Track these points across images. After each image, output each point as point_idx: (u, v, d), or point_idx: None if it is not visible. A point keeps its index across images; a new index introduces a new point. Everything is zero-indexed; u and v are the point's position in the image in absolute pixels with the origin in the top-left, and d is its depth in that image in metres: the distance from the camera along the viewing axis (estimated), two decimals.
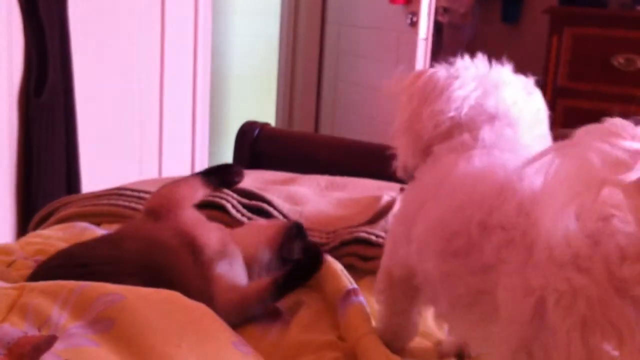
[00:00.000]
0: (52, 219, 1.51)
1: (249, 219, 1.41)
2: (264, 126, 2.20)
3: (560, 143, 0.68)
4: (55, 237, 1.35)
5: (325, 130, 3.96)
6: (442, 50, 3.51)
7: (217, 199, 1.43)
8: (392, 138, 1.04)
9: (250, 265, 1.19)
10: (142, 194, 1.48)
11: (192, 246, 1.13)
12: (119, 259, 1.06)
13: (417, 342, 1.09)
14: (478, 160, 0.88)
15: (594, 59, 3.27)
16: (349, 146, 2.13)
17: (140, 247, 1.09)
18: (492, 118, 0.94)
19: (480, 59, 0.99)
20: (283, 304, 1.17)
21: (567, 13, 3.41)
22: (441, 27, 3.81)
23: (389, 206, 1.46)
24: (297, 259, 1.22)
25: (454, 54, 1.01)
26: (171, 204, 1.21)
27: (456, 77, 0.96)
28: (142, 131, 2.61)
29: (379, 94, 3.26)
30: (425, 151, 0.99)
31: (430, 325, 1.14)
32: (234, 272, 1.16)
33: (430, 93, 0.97)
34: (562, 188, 0.65)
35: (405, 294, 1.00)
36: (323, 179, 1.77)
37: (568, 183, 0.65)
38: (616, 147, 0.62)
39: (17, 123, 2.03)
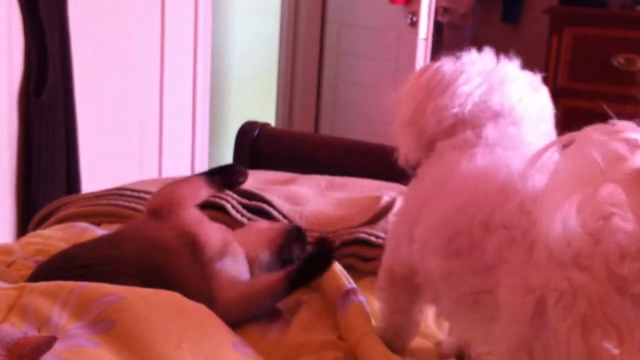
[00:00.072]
0: (52, 219, 1.51)
1: (249, 219, 1.41)
2: (264, 126, 2.20)
3: (561, 138, 0.68)
4: (55, 237, 1.35)
5: (325, 130, 3.96)
6: (442, 50, 3.51)
7: (217, 200, 1.43)
8: (395, 130, 1.03)
9: (250, 266, 1.19)
10: (142, 194, 1.48)
11: (193, 245, 1.13)
12: (118, 259, 1.06)
13: (417, 343, 1.09)
14: (481, 158, 0.88)
15: (594, 59, 3.27)
16: (349, 146, 2.13)
17: (140, 247, 1.09)
18: (496, 115, 0.93)
19: (488, 53, 0.99)
20: (283, 304, 1.17)
21: (567, 13, 3.41)
22: (441, 27, 3.81)
23: (388, 206, 1.46)
24: (310, 253, 1.20)
25: (455, 55, 1.00)
26: (173, 203, 1.21)
27: (461, 72, 0.96)
28: (142, 131, 2.61)
29: (379, 94, 3.26)
30: (428, 147, 0.99)
31: (431, 326, 1.14)
32: (238, 269, 1.16)
33: (435, 88, 0.97)
34: (563, 184, 0.65)
35: (406, 292, 1.00)
36: (323, 179, 1.77)
37: (568, 179, 0.65)
38: (616, 142, 0.62)
39: (17, 123, 2.03)
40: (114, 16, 2.41)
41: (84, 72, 2.23)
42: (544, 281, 0.67)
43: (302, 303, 1.17)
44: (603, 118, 0.66)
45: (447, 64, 0.98)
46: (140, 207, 1.43)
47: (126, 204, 1.47)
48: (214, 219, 1.33)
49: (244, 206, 1.44)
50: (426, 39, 3.01)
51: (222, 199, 1.43)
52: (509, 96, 0.94)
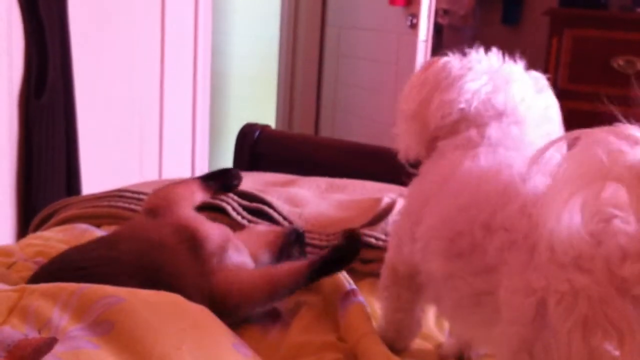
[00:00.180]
0: (53, 220, 1.51)
1: (249, 221, 1.41)
2: (264, 128, 2.20)
3: (562, 137, 0.69)
4: (55, 238, 1.35)
5: (325, 132, 3.96)
6: (442, 52, 3.51)
7: (218, 202, 1.43)
8: (397, 123, 1.03)
9: None
10: (142, 196, 1.48)
11: (193, 240, 1.13)
12: (116, 260, 1.06)
13: (418, 344, 1.09)
14: (483, 158, 0.88)
15: (594, 61, 3.27)
16: (349, 148, 2.13)
17: (138, 247, 1.09)
18: (499, 115, 0.93)
19: (494, 53, 0.99)
20: (283, 305, 1.17)
21: (567, 15, 3.41)
22: (441, 29, 3.81)
23: (389, 208, 1.46)
24: (337, 243, 1.20)
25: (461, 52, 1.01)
26: (169, 202, 1.22)
27: (469, 69, 0.96)
28: (142, 132, 2.61)
29: (379, 96, 3.26)
30: (430, 143, 0.99)
31: (431, 327, 1.14)
32: (243, 260, 1.17)
33: (442, 82, 0.97)
34: (565, 185, 0.65)
35: (409, 290, 1.00)
36: (323, 181, 1.77)
37: (570, 180, 0.65)
38: (618, 139, 0.62)
39: (17, 124, 2.03)
40: (114, 17, 2.41)
41: (84, 73, 2.23)
42: (544, 283, 0.68)
43: (302, 304, 1.17)
44: (603, 120, 0.67)
45: (454, 60, 0.98)
46: (140, 209, 1.43)
47: (126, 205, 1.47)
48: (214, 220, 1.33)
49: (245, 208, 1.44)
50: (426, 40, 3.01)
51: (222, 200, 1.43)
52: (513, 96, 0.94)
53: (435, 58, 1.02)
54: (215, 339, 0.90)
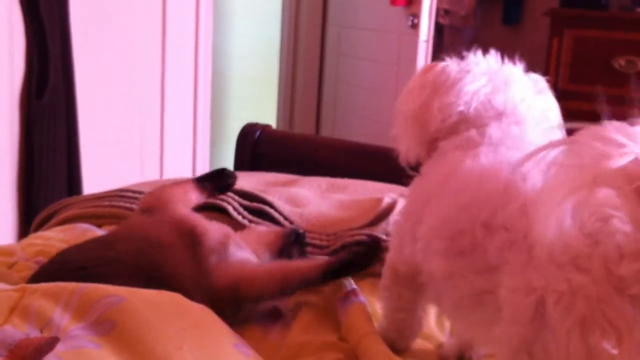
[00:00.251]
0: (54, 220, 1.52)
1: (250, 221, 1.41)
2: (265, 128, 2.20)
3: (555, 141, 0.69)
4: (56, 238, 1.35)
5: (326, 132, 3.97)
6: (443, 52, 3.51)
7: (219, 202, 1.43)
8: (396, 127, 1.04)
9: None
10: (143, 196, 1.48)
11: (191, 236, 1.13)
12: (115, 260, 1.06)
13: (419, 344, 1.09)
14: (484, 158, 0.88)
15: (595, 61, 3.27)
16: (350, 148, 2.13)
17: (136, 246, 1.10)
18: (499, 115, 0.94)
19: (492, 55, 1.00)
20: (284, 305, 1.17)
21: (568, 15, 3.42)
22: (442, 29, 3.81)
23: (389, 208, 1.46)
24: (356, 247, 1.22)
25: (456, 56, 1.01)
26: (164, 202, 1.22)
27: (467, 72, 0.97)
28: (143, 132, 2.61)
29: (380, 96, 3.26)
30: (431, 145, 0.99)
31: (432, 327, 1.14)
32: (244, 255, 1.17)
33: (442, 85, 0.98)
34: (557, 187, 0.65)
35: (410, 290, 1.00)
36: (324, 181, 1.77)
37: (562, 181, 0.65)
38: (607, 144, 0.63)
39: (18, 124, 2.04)
40: (115, 18, 2.41)
41: (85, 73, 2.23)
42: (544, 282, 0.68)
43: (302, 304, 1.17)
44: (603, 120, 0.67)
45: (452, 63, 0.99)
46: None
47: (127, 205, 1.47)
48: (215, 220, 1.33)
49: (245, 208, 1.44)
50: (427, 41, 3.01)
51: (223, 200, 1.44)
52: (512, 96, 0.95)
53: (434, 62, 1.02)
54: (216, 339, 0.90)
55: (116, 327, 0.82)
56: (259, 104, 4.13)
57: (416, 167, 1.03)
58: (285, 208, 1.47)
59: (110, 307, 0.84)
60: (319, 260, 1.16)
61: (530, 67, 1.01)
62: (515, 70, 0.98)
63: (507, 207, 0.77)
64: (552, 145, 0.68)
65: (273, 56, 4.10)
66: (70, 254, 1.11)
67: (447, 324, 1.13)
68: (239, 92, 4.11)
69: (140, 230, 1.16)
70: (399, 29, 3.14)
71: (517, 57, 1.00)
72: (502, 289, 0.74)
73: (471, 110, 0.94)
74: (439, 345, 1.09)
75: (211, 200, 1.42)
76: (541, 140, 0.91)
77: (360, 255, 1.20)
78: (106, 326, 0.82)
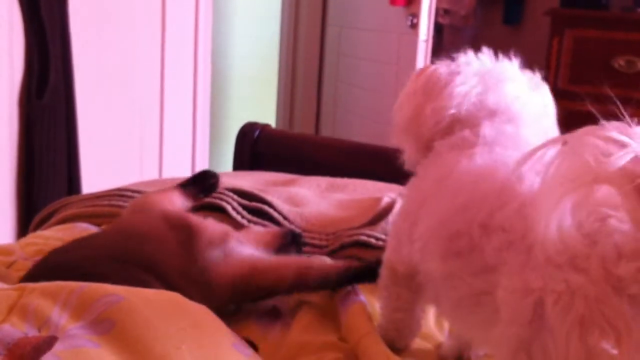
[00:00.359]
0: (53, 219, 1.51)
1: (249, 221, 1.41)
2: (265, 127, 2.20)
3: (553, 139, 0.69)
4: (55, 237, 1.35)
5: (326, 131, 3.97)
6: (442, 52, 3.51)
7: (218, 201, 1.43)
8: (394, 133, 1.04)
9: None
10: (130, 201, 1.48)
11: (186, 230, 1.13)
12: (98, 256, 1.07)
13: (418, 344, 1.09)
14: (480, 158, 0.88)
15: (595, 61, 3.27)
16: (350, 148, 2.13)
17: (118, 240, 1.10)
18: (492, 114, 0.94)
19: (486, 53, 0.99)
20: (284, 304, 1.17)
21: (568, 15, 3.41)
22: (442, 29, 3.81)
23: (389, 208, 1.46)
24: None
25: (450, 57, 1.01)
26: (152, 205, 1.23)
27: (457, 73, 0.96)
28: (143, 132, 2.61)
29: (380, 96, 3.26)
30: (427, 146, 0.99)
31: (431, 327, 1.14)
32: (251, 252, 1.17)
33: (432, 90, 0.97)
34: (556, 186, 0.65)
35: (409, 290, 1.00)
36: (323, 181, 1.77)
37: (561, 181, 0.65)
38: (608, 143, 0.63)
39: (18, 124, 2.04)
40: (114, 18, 2.41)
41: (85, 73, 2.23)
42: (542, 283, 0.68)
43: (302, 304, 1.17)
44: (603, 120, 0.67)
45: (442, 66, 0.99)
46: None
47: (126, 204, 1.47)
48: (214, 220, 1.33)
49: (244, 207, 1.44)
50: (427, 40, 3.01)
51: (222, 200, 1.43)
52: (505, 94, 0.94)
53: (425, 66, 1.02)
54: (215, 339, 0.90)
55: (115, 327, 0.82)
56: (259, 103, 4.13)
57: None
58: (285, 207, 1.46)
59: (109, 306, 0.84)
60: (339, 262, 1.17)
61: (531, 67, 1.01)
62: (509, 68, 0.98)
63: (504, 208, 0.77)
64: (550, 143, 0.68)
65: (273, 56, 4.10)
66: (57, 255, 1.11)
67: (446, 324, 1.13)
68: (239, 91, 4.11)
69: (127, 224, 1.17)
70: (398, 28, 3.14)
71: (512, 53, 0.99)
72: (500, 290, 0.74)
73: (463, 111, 0.94)
74: (438, 345, 1.09)
75: (210, 200, 1.42)
76: (536, 138, 0.91)
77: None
78: (105, 325, 0.82)
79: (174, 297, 0.92)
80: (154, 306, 0.87)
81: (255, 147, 2.15)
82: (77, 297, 0.85)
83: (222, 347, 0.89)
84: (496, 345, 0.76)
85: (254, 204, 1.45)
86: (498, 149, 0.89)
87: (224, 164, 3.52)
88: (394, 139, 1.04)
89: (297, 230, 1.35)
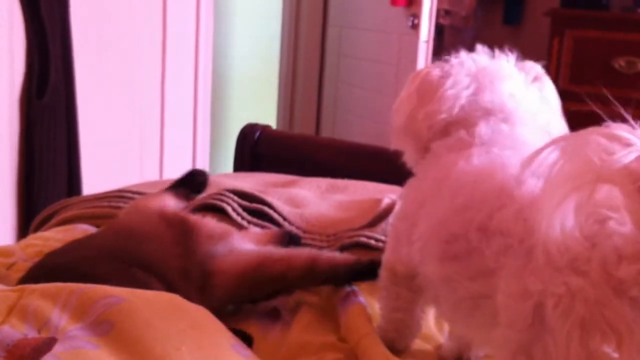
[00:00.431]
0: (53, 221, 1.51)
1: (249, 222, 1.41)
2: (265, 128, 2.20)
3: (556, 139, 0.69)
4: (55, 239, 1.35)
5: (326, 132, 3.96)
6: (443, 52, 3.51)
7: (218, 202, 1.43)
8: (392, 135, 1.04)
9: None
10: (124, 207, 1.48)
11: (183, 227, 1.13)
12: (95, 257, 1.07)
13: (418, 345, 1.09)
14: (476, 159, 0.88)
15: (595, 62, 3.27)
16: (350, 148, 2.13)
17: (111, 242, 1.10)
18: (487, 113, 0.93)
19: (481, 52, 0.99)
20: (284, 305, 1.17)
21: (569, 15, 3.41)
22: (442, 30, 3.81)
23: (389, 209, 1.46)
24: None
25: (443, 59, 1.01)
26: (146, 206, 1.23)
27: (448, 76, 0.96)
28: (143, 133, 2.61)
29: (380, 97, 3.26)
30: (425, 148, 0.99)
31: (431, 328, 1.14)
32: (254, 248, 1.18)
33: (425, 94, 0.97)
34: (559, 188, 0.65)
35: (408, 290, 1.00)
36: (323, 182, 1.77)
37: (564, 182, 0.65)
38: (612, 141, 0.63)
39: (18, 124, 2.04)
40: (115, 17, 2.41)
41: (86, 73, 2.23)
42: (541, 286, 0.67)
43: (302, 304, 1.17)
44: (603, 121, 0.67)
45: (436, 68, 0.99)
46: None
47: (127, 206, 1.47)
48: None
49: (245, 208, 1.44)
50: (427, 41, 3.01)
51: (222, 201, 1.43)
52: (500, 93, 0.94)
53: (420, 70, 1.02)
54: (214, 340, 0.90)
55: (115, 328, 0.82)
56: (259, 104, 4.13)
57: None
58: (285, 209, 1.46)
59: (108, 307, 0.84)
60: (349, 256, 1.17)
61: None
62: (504, 65, 0.98)
63: (502, 210, 0.77)
64: (553, 143, 0.68)
65: (273, 56, 4.10)
66: (54, 256, 1.11)
67: (446, 325, 1.13)
68: (239, 92, 4.11)
69: (124, 224, 1.17)
70: (399, 29, 3.14)
71: (509, 50, 0.99)
72: (499, 294, 0.74)
73: (454, 114, 0.94)
74: (438, 347, 1.09)
75: (210, 201, 1.42)
76: (534, 136, 0.91)
77: None
78: (104, 327, 0.82)
79: (174, 299, 0.92)
80: (154, 307, 0.87)
81: (256, 149, 2.15)
82: (76, 299, 0.85)
83: (221, 348, 0.89)
84: (496, 347, 0.76)
85: (254, 205, 1.45)
86: (495, 149, 0.89)
87: (225, 165, 3.51)
88: (393, 141, 1.04)
89: (296, 232, 1.35)
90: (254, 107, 4.11)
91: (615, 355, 0.63)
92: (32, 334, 0.80)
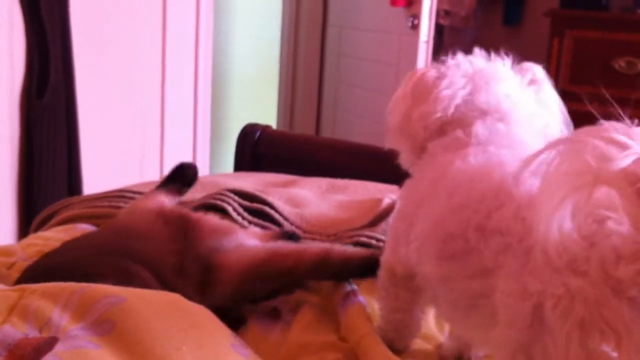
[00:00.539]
0: (54, 220, 1.52)
1: (250, 222, 1.41)
2: (265, 128, 2.20)
3: (554, 141, 0.69)
4: (56, 238, 1.35)
5: (327, 132, 3.97)
6: (443, 53, 3.51)
7: (218, 202, 1.43)
8: (387, 136, 1.05)
9: None
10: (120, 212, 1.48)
11: (183, 223, 1.13)
12: (86, 258, 1.07)
13: (418, 345, 1.09)
14: (473, 158, 0.88)
15: (595, 62, 3.27)
16: (350, 148, 2.13)
17: (107, 240, 1.11)
18: (483, 113, 0.93)
19: (478, 54, 0.99)
20: (284, 304, 1.17)
21: (568, 16, 3.42)
22: (442, 30, 3.81)
23: (389, 209, 1.46)
24: None
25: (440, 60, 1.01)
26: (142, 208, 1.24)
27: (444, 77, 0.96)
28: (144, 133, 2.61)
29: (380, 97, 3.26)
30: (421, 148, 0.99)
31: (432, 328, 1.14)
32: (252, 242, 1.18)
33: (420, 94, 0.97)
34: (556, 188, 0.65)
35: (407, 291, 1.00)
36: (324, 182, 1.77)
37: (562, 183, 0.65)
38: (609, 144, 0.63)
39: (18, 124, 2.04)
40: (115, 18, 2.41)
41: (86, 73, 2.23)
42: (540, 286, 0.68)
43: (303, 304, 1.17)
44: (604, 121, 0.67)
45: (431, 70, 0.99)
46: None
47: (127, 205, 1.47)
48: None
49: (245, 208, 1.44)
50: (427, 41, 3.01)
51: (223, 201, 1.44)
52: (495, 94, 0.94)
53: (416, 70, 1.02)
54: (215, 340, 0.90)
55: (116, 328, 0.82)
56: (259, 104, 4.13)
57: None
58: (285, 209, 1.46)
59: (110, 307, 0.84)
60: (361, 250, 1.17)
61: None
62: (500, 67, 0.98)
63: (500, 210, 0.77)
64: (552, 145, 0.68)
65: (273, 56, 4.10)
66: (48, 257, 1.11)
67: (447, 324, 1.13)
68: (239, 92, 4.11)
69: (121, 224, 1.17)
70: (399, 29, 3.14)
71: (506, 52, 0.99)
72: (497, 293, 0.74)
73: (449, 115, 0.94)
74: (438, 346, 1.09)
75: (211, 201, 1.42)
76: (530, 137, 0.91)
77: None
78: (106, 326, 0.82)
79: (174, 298, 0.93)
80: (154, 307, 0.87)
81: (256, 148, 2.15)
82: (78, 298, 0.85)
83: (221, 347, 0.89)
84: (495, 347, 0.76)
85: (255, 205, 1.45)
86: (492, 148, 0.89)
87: (225, 165, 3.52)
88: (388, 141, 1.05)
89: (296, 231, 1.35)
90: (254, 107, 4.12)
91: (615, 354, 0.63)
92: (33, 333, 0.80)
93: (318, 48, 3.98)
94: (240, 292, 1.11)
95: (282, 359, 1.03)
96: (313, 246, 1.15)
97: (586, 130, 0.66)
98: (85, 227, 1.42)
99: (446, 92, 0.95)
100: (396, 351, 1.02)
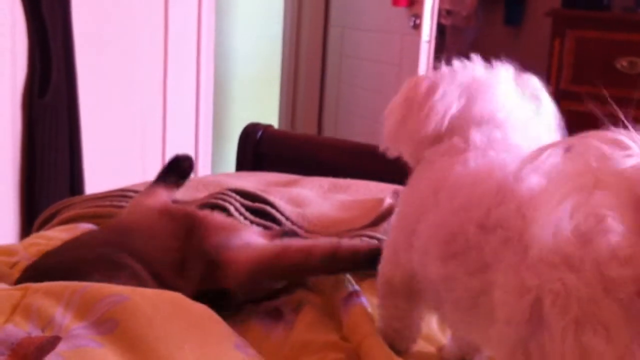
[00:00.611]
0: (56, 220, 1.52)
1: (252, 221, 1.41)
2: (267, 128, 2.20)
3: (557, 142, 0.69)
4: (58, 238, 1.35)
5: (328, 132, 3.97)
6: (445, 52, 3.51)
7: (220, 201, 1.43)
8: (383, 139, 1.05)
9: None
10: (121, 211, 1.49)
11: (189, 220, 1.14)
12: (82, 258, 1.07)
13: (420, 346, 1.09)
14: (473, 162, 0.88)
15: (597, 62, 3.27)
16: (352, 148, 2.13)
17: (107, 238, 1.11)
18: (479, 122, 0.93)
19: (476, 60, 0.99)
20: (286, 304, 1.17)
21: (570, 16, 3.41)
22: (444, 30, 3.81)
23: (391, 209, 1.46)
24: None
25: (457, 57, 1.00)
26: (142, 206, 1.24)
27: (437, 87, 0.95)
28: (146, 132, 2.61)
29: (382, 97, 3.26)
30: (418, 154, 0.99)
31: (434, 329, 1.14)
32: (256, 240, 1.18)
33: (413, 104, 0.97)
34: (559, 188, 0.65)
35: (406, 300, 1.00)
36: (326, 181, 1.77)
37: (564, 183, 0.65)
38: (612, 146, 0.63)
39: (20, 124, 2.04)
40: (117, 17, 2.41)
41: (88, 72, 2.24)
42: (538, 282, 0.68)
43: (305, 303, 1.17)
44: (605, 121, 0.67)
45: (426, 78, 0.98)
46: None
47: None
48: None
49: (247, 208, 1.44)
50: (429, 41, 3.01)
51: (224, 200, 1.44)
52: (490, 102, 0.94)
53: (413, 77, 1.02)
54: (217, 339, 0.90)
55: (118, 326, 0.82)
56: (261, 104, 4.13)
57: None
58: (287, 208, 1.47)
59: (112, 306, 0.84)
60: (370, 242, 1.16)
61: (532, 68, 1.00)
62: (500, 75, 0.97)
63: (502, 206, 0.77)
64: (555, 145, 0.68)
65: (275, 56, 4.10)
66: (47, 257, 1.12)
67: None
68: (241, 92, 4.11)
69: (121, 223, 1.17)
70: (401, 29, 3.14)
71: (510, 58, 0.99)
72: (496, 289, 0.74)
73: (446, 123, 0.94)
74: (441, 348, 1.09)
75: (213, 200, 1.43)
76: (526, 144, 0.91)
77: None
78: (108, 325, 0.82)
79: (177, 297, 0.93)
80: (157, 306, 0.87)
81: (258, 148, 2.15)
82: (80, 297, 0.85)
83: (223, 346, 0.89)
84: (494, 344, 0.76)
85: (257, 204, 1.45)
86: (491, 153, 0.89)
87: (227, 165, 3.52)
88: (384, 143, 1.05)
89: (298, 231, 1.35)
90: (256, 107, 4.12)
91: (606, 350, 0.63)
92: (35, 332, 0.80)
93: (320, 48, 3.99)
94: (246, 289, 1.11)
95: (284, 358, 1.03)
96: (322, 241, 1.15)
97: (590, 132, 0.66)
98: (88, 227, 1.42)
99: (440, 104, 0.94)
100: (397, 352, 1.02)
